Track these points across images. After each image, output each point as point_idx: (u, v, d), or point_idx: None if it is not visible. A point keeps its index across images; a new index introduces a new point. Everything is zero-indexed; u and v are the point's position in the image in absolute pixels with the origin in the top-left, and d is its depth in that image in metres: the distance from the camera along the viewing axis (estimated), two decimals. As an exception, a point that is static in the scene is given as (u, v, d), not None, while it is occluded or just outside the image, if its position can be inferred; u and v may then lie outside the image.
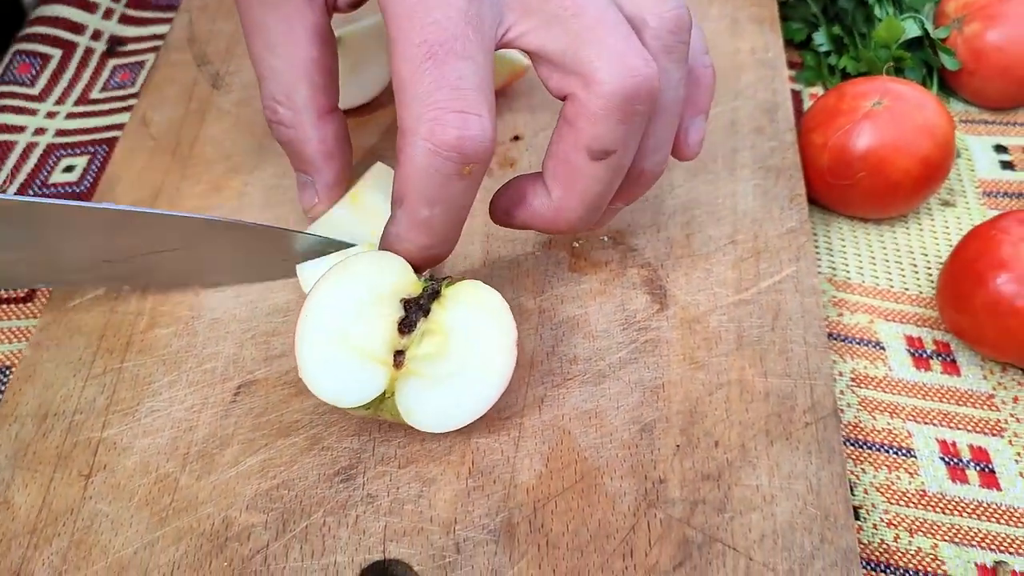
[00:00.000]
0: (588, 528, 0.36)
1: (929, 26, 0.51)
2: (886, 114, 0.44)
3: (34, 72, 0.58)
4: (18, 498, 0.37)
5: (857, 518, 0.39)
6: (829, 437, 0.38)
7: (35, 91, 0.57)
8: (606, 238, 0.44)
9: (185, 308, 0.43)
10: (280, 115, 0.40)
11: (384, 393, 0.35)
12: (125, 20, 0.62)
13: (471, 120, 0.32)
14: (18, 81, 0.57)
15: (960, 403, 0.42)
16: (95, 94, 0.58)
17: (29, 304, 0.47)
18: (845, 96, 0.46)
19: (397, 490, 0.37)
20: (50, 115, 0.56)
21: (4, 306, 0.47)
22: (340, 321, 0.35)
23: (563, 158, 0.35)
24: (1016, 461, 0.40)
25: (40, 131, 0.55)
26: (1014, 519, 0.39)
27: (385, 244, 0.36)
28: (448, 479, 0.37)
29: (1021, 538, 0.38)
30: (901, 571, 0.38)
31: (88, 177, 0.52)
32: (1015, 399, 0.42)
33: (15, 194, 0.51)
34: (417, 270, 0.37)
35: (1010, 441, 0.41)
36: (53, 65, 0.59)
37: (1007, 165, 0.51)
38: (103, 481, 0.37)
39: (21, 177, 0.53)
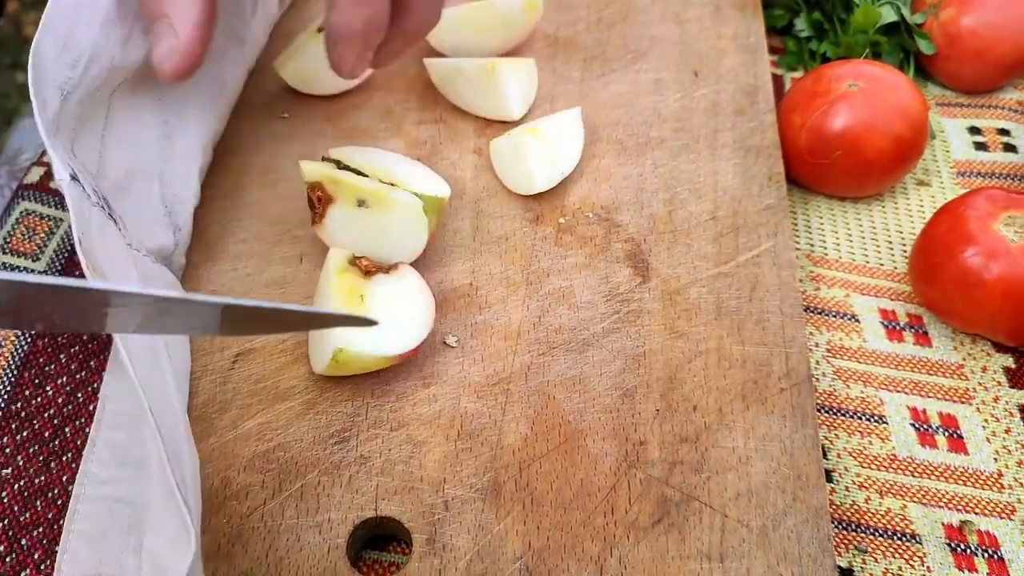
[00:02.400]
0: (571, 487, 0.37)
1: (906, 12, 0.53)
2: (860, 95, 0.46)
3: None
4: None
5: (830, 480, 0.41)
6: (803, 402, 0.39)
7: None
8: (591, 214, 0.46)
9: (185, 280, 0.44)
10: None
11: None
12: None
13: None
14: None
15: (931, 372, 0.44)
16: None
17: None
18: (822, 79, 0.48)
19: (389, 452, 0.38)
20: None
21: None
22: None
23: None
24: (983, 427, 0.42)
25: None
26: (980, 481, 0.41)
27: (334, 36, 0.38)
28: (437, 441, 0.39)
29: (986, 499, 0.40)
30: (871, 530, 0.39)
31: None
32: (984, 368, 0.44)
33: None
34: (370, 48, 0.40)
35: (978, 408, 0.43)
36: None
37: (980, 146, 0.52)
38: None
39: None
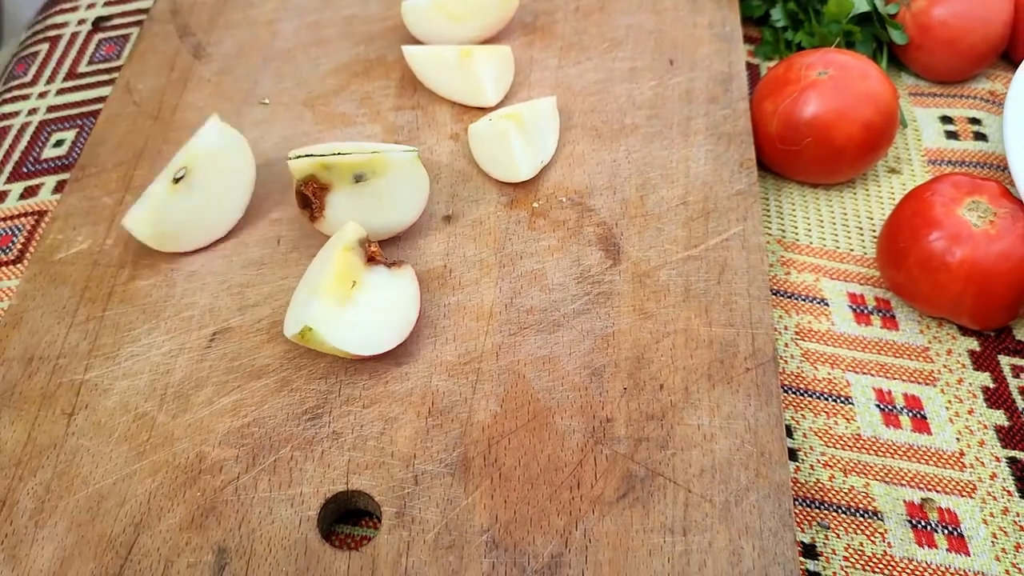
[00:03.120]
0: (538, 462, 0.38)
1: (879, 2, 0.53)
2: (830, 83, 0.47)
3: (28, 66, 0.60)
4: (4, 434, 0.39)
5: (795, 459, 0.41)
6: (768, 382, 0.40)
7: (28, 79, 0.60)
8: (565, 199, 0.47)
9: (164, 261, 0.45)
10: None
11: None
12: (109, 3, 0.64)
13: None
14: (15, 77, 0.60)
15: (897, 355, 0.45)
16: (82, 68, 0.60)
17: (19, 265, 0.49)
18: (793, 67, 0.48)
19: (361, 428, 0.39)
20: (42, 95, 0.59)
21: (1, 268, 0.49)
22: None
23: None
24: (946, 408, 0.43)
25: (33, 111, 0.57)
26: (942, 461, 0.41)
27: None
28: (409, 418, 0.39)
29: (948, 478, 0.41)
30: (834, 507, 0.40)
31: (76, 150, 0.55)
32: (948, 351, 0.45)
33: (10, 173, 0.53)
34: None
35: (942, 390, 0.44)
36: (43, 54, 0.61)
37: (952, 135, 0.53)
38: (85, 419, 0.40)
39: (16, 155, 0.55)
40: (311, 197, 0.43)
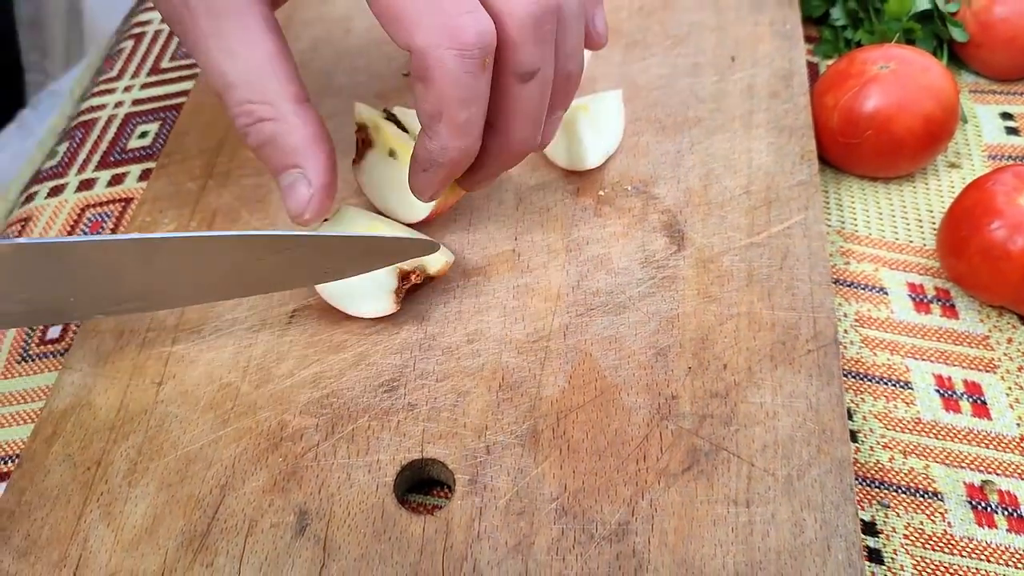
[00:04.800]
0: (605, 436, 0.39)
1: (939, 0, 0.54)
2: (891, 77, 0.48)
3: (114, 62, 0.64)
4: (99, 401, 0.42)
5: (855, 440, 0.42)
6: (829, 363, 0.41)
7: (114, 74, 0.63)
8: (630, 187, 0.48)
9: (230, 222, 0.47)
10: (257, 112, 0.38)
11: None
12: None
13: (479, 17, 0.35)
14: (102, 73, 0.63)
15: (957, 343, 0.45)
16: (164, 64, 0.63)
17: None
18: (855, 61, 0.49)
19: (435, 400, 0.41)
20: (127, 89, 0.62)
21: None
22: None
23: (498, 93, 0.38)
24: (1007, 394, 0.44)
25: (119, 104, 0.60)
26: (1002, 445, 0.42)
27: (426, 162, 0.39)
28: (480, 392, 0.41)
29: (1008, 461, 0.41)
30: (894, 487, 0.41)
31: (159, 141, 0.57)
32: (1009, 340, 0.45)
33: (98, 163, 0.56)
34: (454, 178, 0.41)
35: (1002, 377, 0.44)
36: (128, 51, 0.64)
37: (1012, 131, 0.54)
38: (172, 388, 0.42)
39: (103, 146, 0.58)
40: (359, 144, 0.46)
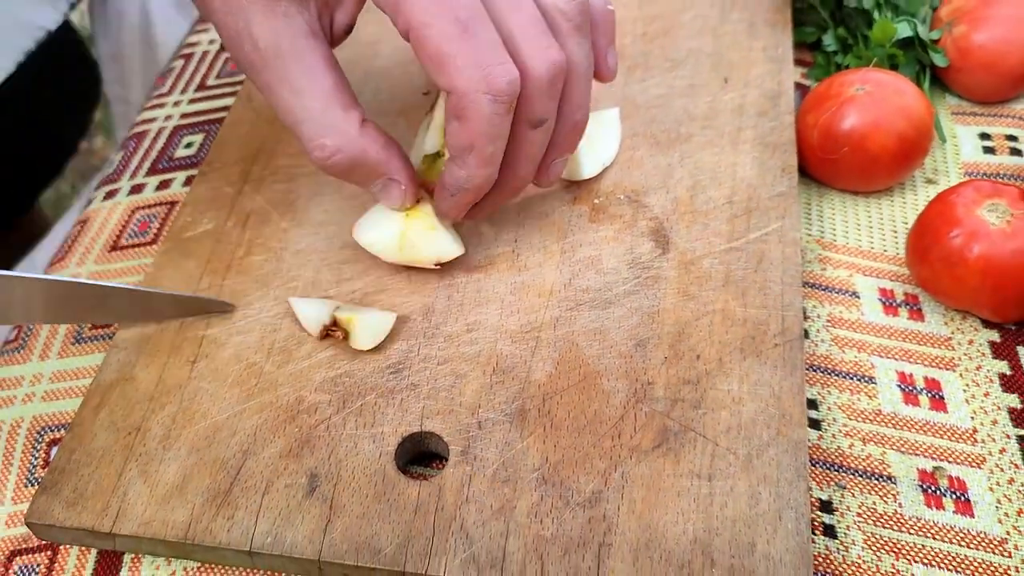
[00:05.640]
0: (585, 416, 0.44)
1: (922, 28, 0.58)
2: (867, 98, 0.52)
3: (166, 80, 0.70)
4: (140, 374, 0.47)
5: (818, 428, 0.46)
6: (793, 356, 0.45)
7: (165, 90, 0.69)
8: (622, 196, 0.53)
9: (275, 241, 0.52)
10: (331, 146, 0.44)
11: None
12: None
13: (509, 68, 0.41)
14: (155, 89, 0.69)
15: (920, 343, 0.49)
16: (211, 81, 0.69)
17: (154, 246, 0.58)
18: (834, 84, 0.54)
19: (435, 381, 0.45)
20: (176, 104, 0.68)
21: (140, 248, 0.58)
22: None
23: (511, 137, 0.44)
24: (964, 391, 0.47)
25: (168, 117, 0.67)
26: (956, 435, 0.45)
27: (453, 187, 0.45)
28: (476, 375, 0.46)
29: (960, 450, 0.45)
30: (852, 471, 0.45)
31: (203, 150, 0.63)
32: (970, 341, 0.49)
33: (148, 169, 0.62)
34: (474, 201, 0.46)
35: (960, 375, 0.48)
36: (178, 69, 0.71)
37: (989, 150, 0.57)
38: (205, 366, 0.47)
39: (153, 155, 0.64)
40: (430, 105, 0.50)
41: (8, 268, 0.59)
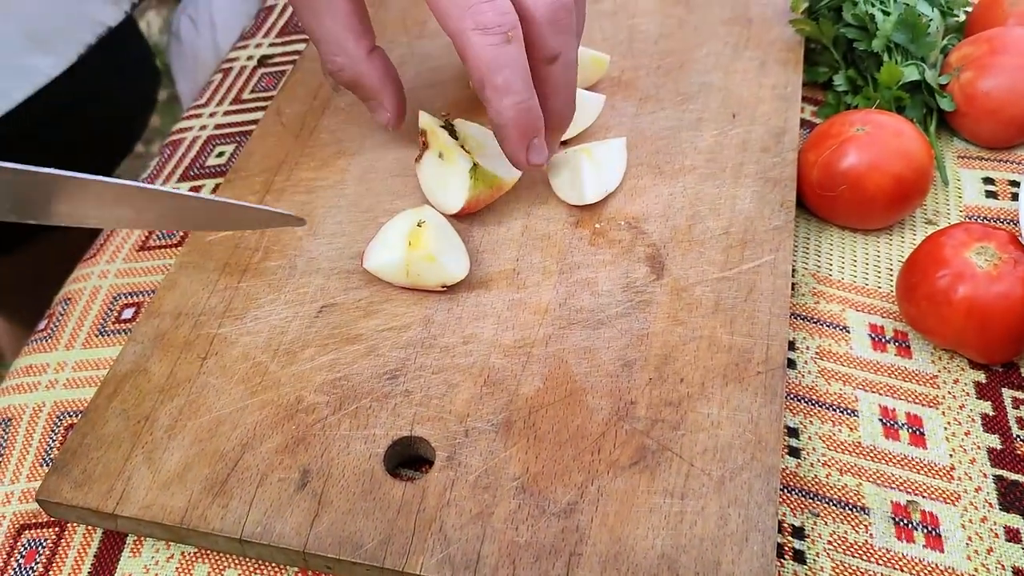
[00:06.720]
0: (568, 430, 0.46)
1: (930, 73, 0.59)
2: (866, 138, 0.53)
3: (204, 92, 0.74)
4: (153, 368, 0.50)
5: (798, 457, 0.47)
6: (775, 384, 0.47)
7: (203, 102, 0.73)
8: (623, 222, 0.55)
9: (290, 249, 0.55)
10: (339, 63, 0.53)
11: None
12: (274, 45, 0.77)
13: (497, 4, 0.45)
14: (194, 100, 0.73)
15: (906, 379, 0.50)
16: (246, 95, 0.72)
17: (179, 248, 0.61)
18: (835, 123, 0.55)
19: (428, 389, 0.48)
20: (211, 115, 0.71)
21: (166, 249, 0.61)
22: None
23: (535, 76, 0.48)
24: (945, 428, 0.48)
25: (203, 128, 0.70)
26: (933, 472, 0.46)
27: (497, 121, 0.48)
28: (467, 385, 0.48)
29: (935, 486, 0.46)
30: (826, 500, 0.46)
31: (233, 160, 0.66)
32: (955, 381, 0.50)
33: (181, 175, 0.66)
34: (531, 135, 0.49)
35: (943, 412, 0.49)
36: (216, 83, 0.74)
37: (991, 194, 0.58)
38: (214, 363, 0.50)
39: (186, 162, 0.67)
40: (421, 146, 0.56)
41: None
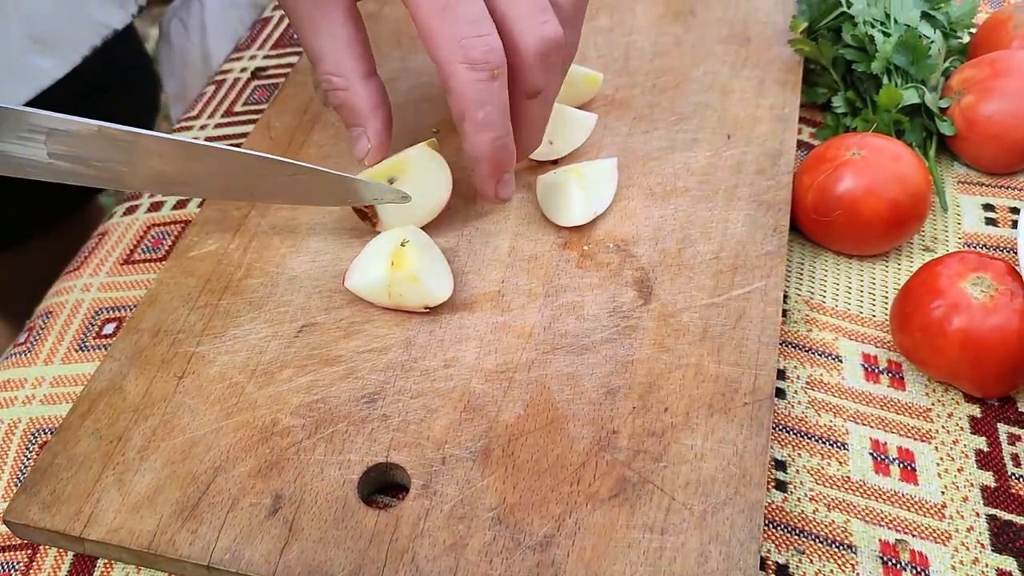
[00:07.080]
0: (548, 459, 0.44)
1: (930, 96, 0.58)
2: (862, 163, 0.52)
3: (196, 104, 0.73)
4: (129, 386, 0.49)
5: (784, 491, 0.46)
6: (761, 416, 0.45)
7: (194, 114, 0.72)
8: (612, 245, 0.53)
9: (273, 266, 0.54)
10: (335, 83, 0.51)
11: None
12: (268, 57, 0.76)
13: (487, 40, 0.44)
14: (186, 112, 0.72)
15: (899, 412, 0.49)
16: (238, 108, 0.72)
17: (164, 262, 0.60)
18: (832, 147, 0.54)
19: (406, 414, 0.46)
20: (202, 127, 0.70)
21: (151, 264, 0.60)
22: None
23: (513, 109, 0.48)
24: (938, 464, 0.47)
25: (195, 140, 0.69)
26: (924, 509, 0.45)
27: (472, 154, 0.48)
28: (447, 411, 0.46)
29: (926, 525, 0.44)
30: (813, 536, 0.44)
31: (223, 171, 0.66)
32: (950, 415, 0.48)
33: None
34: (503, 171, 0.50)
35: (936, 447, 0.47)
36: (209, 94, 0.74)
37: (991, 222, 0.57)
38: (190, 382, 0.49)
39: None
40: (363, 209, 0.54)
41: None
